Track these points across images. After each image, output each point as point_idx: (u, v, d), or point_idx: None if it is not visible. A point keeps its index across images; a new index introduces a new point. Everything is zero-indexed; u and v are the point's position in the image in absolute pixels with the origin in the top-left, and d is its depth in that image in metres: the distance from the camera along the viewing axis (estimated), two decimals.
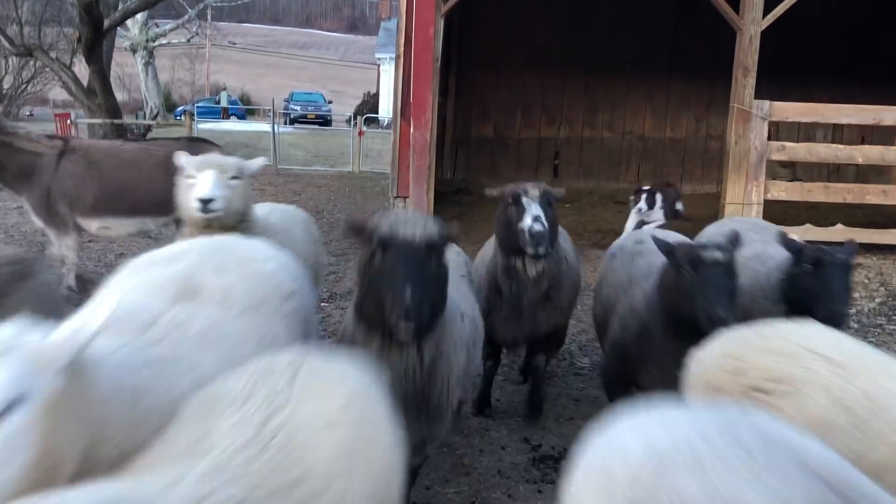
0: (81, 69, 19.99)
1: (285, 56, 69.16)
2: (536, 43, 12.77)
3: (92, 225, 5.72)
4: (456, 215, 10.12)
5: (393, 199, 9.96)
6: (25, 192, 5.53)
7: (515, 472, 3.45)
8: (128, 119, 21.56)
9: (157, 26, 29.19)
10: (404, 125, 9.32)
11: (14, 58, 29.60)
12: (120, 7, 19.03)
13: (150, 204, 5.73)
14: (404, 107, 9.36)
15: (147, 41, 28.12)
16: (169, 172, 5.94)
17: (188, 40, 32.15)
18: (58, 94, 37.14)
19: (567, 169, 13.61)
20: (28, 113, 36.98)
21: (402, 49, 9.10)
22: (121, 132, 18.79)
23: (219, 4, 30.55)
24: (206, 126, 22.15)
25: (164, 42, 29.95)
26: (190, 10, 28.98)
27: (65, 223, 5.59)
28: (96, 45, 17.56)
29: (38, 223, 5.75)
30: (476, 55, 12.84)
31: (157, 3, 19.20)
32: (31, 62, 29.37)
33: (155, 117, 26.04)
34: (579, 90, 13.52)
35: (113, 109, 18.58)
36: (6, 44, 20.77)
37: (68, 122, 18.43)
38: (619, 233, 9.74)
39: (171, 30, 29.33)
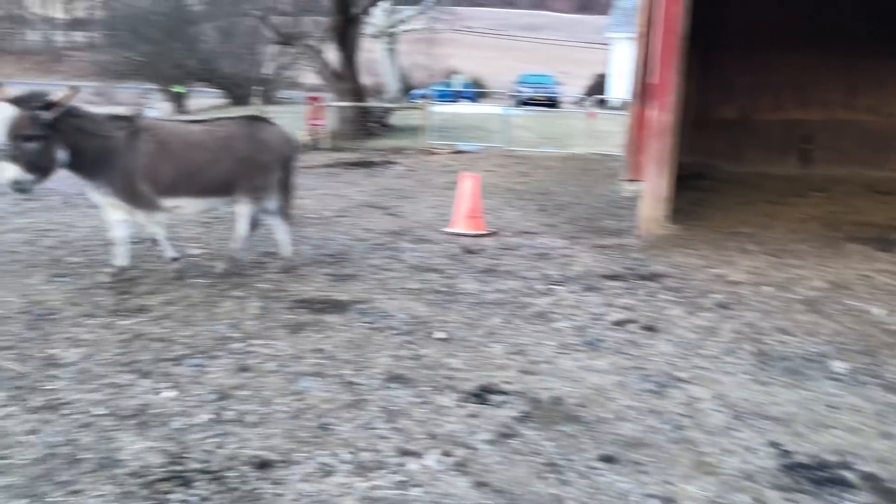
0: (332, 55, 21.57)
1: (516, 38, 69.80)
2: (789, 18, 11.74)
3: (167, 203, 5.77)
4: (695, 201, 9.66)
5: (623, 181, 9.71)
6: (103, 178, 5.53)
7: (763, 478, 3.23)
8: (371, 102, 22.90)
9: (400, 13, 30.70)
10: (641, 107, 9.02)
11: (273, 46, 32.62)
12: None
13: (217, 184, 5.90)
14: (643, 88, 9.05)
15: (390, 28, 29.69)
16: (231, 153, 5.97)
17: (427, 26, 33.48)
18: (309, 78, 40.48)
19: (821, 155, 12.44)
20: (284, 97, 40.69)
21: (643, 28, 8.79)
22: (365, 114, 20.08)
23: None
24: (439, 109, 22.97)
25: (405, 28, 31.46)
26: None
27: (151, 200, 5.65)
28: (346, 32, 18.87)
29: (123, 205, 5.67)
30: (720, 33, 12.07)
31: None
32: (288, 49, 32.15)
33: (394, 101, 27.50)
34: (837, 68, 12.25)
35: (358, 93, 19.89)
36: (271, 33, 22.94)
37: (319, 104, 19.94)
38: (880, 225, 8.78)
39: (413, 16, 30.70)
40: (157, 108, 31.68)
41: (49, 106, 5.11)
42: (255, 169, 5.99)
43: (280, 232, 6.49)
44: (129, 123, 5.73)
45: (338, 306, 5.43)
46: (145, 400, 3.78)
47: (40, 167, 5.15)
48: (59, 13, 74.40)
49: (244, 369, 4.22)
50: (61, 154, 5.22)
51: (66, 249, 6.92)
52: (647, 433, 3.60)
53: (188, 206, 6.02)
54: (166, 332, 4.77)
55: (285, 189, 6.39)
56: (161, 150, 5.62)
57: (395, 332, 4.95)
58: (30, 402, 3.70)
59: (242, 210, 6.09)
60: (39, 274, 5.97)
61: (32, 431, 3.42)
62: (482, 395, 4.00)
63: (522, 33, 72.10)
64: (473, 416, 3.77)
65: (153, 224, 5.81)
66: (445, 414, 3.77)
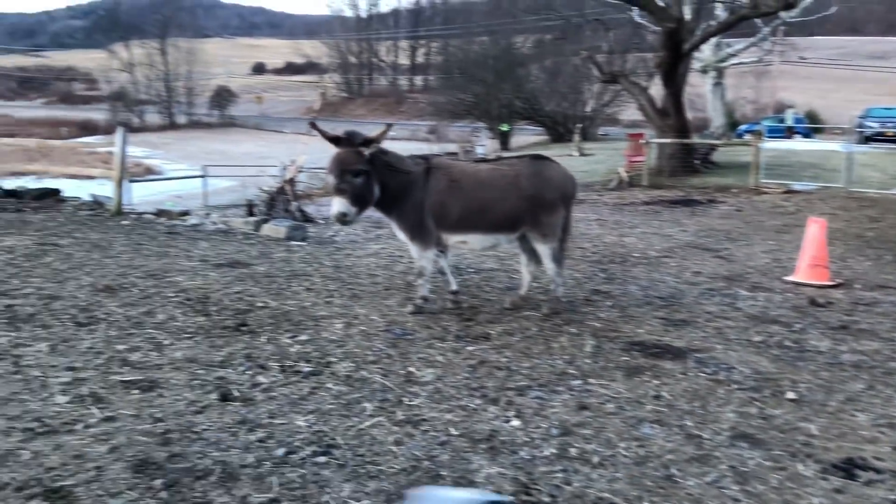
0: (657, 91, 21.31)
1: (859, 68, 63.02)
2: None
3: (452, 239, 5.99)
4: None
5: None
6: (396, 211, 5.87)
7: None
8: (694, 139, 22.17)
9: (729, 46, 29.41)
10: None
11: (596, 83, 33.12)
12: (698, 31, 19.62)
13: (504, 221, 5.94)
14: None
15: (718, 62, 28.56)
16: (517, 191, 5.97)
17: (759, 59, 31.65)
18: (628, 115, 40.44)
19: None
20: (602, 133, 41.12)
21: None
22: (688, 150, 19.47)
23: (794, 20, 29.27)
24: (770, 146, 21.46)
25: (734, 62, 30.05)
26: (763, 29, 28.47)
27: (430, 237, 5.90)
28: (674, 68, 18.52)
29: (403, 238, 6.09)
30: None
31: (736, 24, 19.29)
32: (611, 87, 32.42)
33: (719, 137, 26.31)
34: None
35: (682, 129, 19.35)
36: (596, 72, 23.32)
37: (641, 141, 19.77)
38: None
39: (743, 49, 29.24)
40: (484, 145, 33.84)
41: (368, 143, 5.61)
42: (540, 206, 6.02)
43: (548, 271, 6.36)
44: (425, 162, 6.09)
45: (674, 353, 5.26)
46: (495, 426, 3.98)
47: (363, 200, 5.62)
48: (404, 59, 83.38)
49: (584, 407, 4.26)
50: (376, 188, 5.71)
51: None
52: None
53: (474, 242, 6.12)
54: (508, 361, 5.00)
55: (564, 228, 6.35)
56: (451, 188, 5.83)
57: (738, 386, 4.66)
58: (395, 414, 4.10)
59: (541, 249, 6.16)
60: (396, 296, 6.64)
61: (398, 443, 3.77)
62: (849, 468, 3.59)
63: (868, 62, 64.88)
64: (839, 491, 3.39)
65: (425, 259, 6.02)
66: (805, 484, 3.44)
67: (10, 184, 15.01)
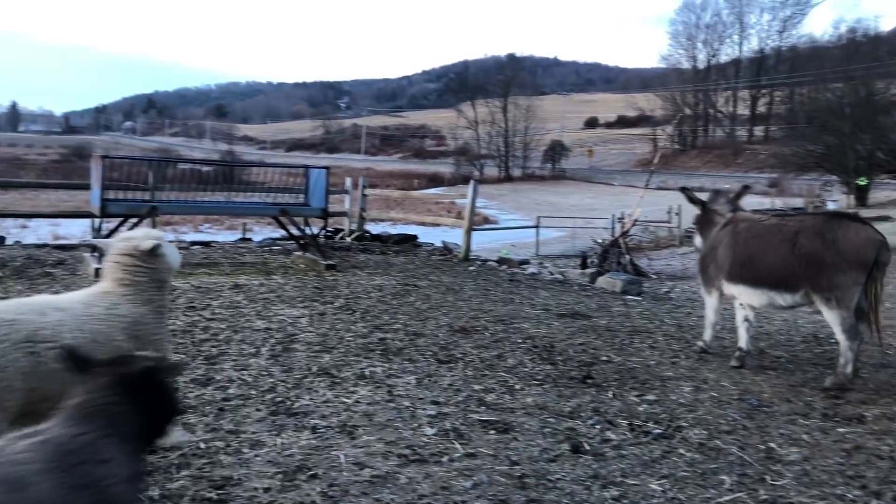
0: None
1: None
2: None
3: (728, 289, 6.07)
4: None
5: None
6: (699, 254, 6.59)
7: None
8: None
9: None
10: None
11: None
12: None
13: (772, 277, 5.66)
14: None
15: None
16: (796, 247, 5.40)
17: None
18: None
19: None
20: None
21: None
22: None
23: None
24: None
25: None
26: None
27: (711, 282, 6.23)
28: None
29: (700, 281, 6.54)
30: None
31: None
32: None
33: None
34: None
35: None
36: None
37: None
38: None
39: None
40: (836, 200, 30.66)
41: (731, 200, 6.39)
42: (821, 267, 5.35)
43: (839, 342, 5.50)
44: (731, 212, 6.30)
45: None
46: None
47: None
48: (742, 110, 79.40)
49: None
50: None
51: (766, 341, 7.06)
52: None
53: (745, 295, 5.96)
54: (891, 450, 4.35)
55: (870, 298, 5.36)
56: (731, 237, 5.98)
57: None
58: (758, 492, 3.76)
59: (827, 316, 5.48)
60: (748, 363, 6.19)
61: None
62: None
63: None
64: None
65: (710, 309, 6.33)
66: None
67: (376, 229, 17.07)
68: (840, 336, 5.49)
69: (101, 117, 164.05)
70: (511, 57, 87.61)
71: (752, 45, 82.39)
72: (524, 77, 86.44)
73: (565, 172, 76.03)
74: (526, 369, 5.70)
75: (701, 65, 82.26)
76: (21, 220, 21.92)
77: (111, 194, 9.35)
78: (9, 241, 12.09)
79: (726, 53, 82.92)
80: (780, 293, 5.68)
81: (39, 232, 21.14)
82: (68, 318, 3.21)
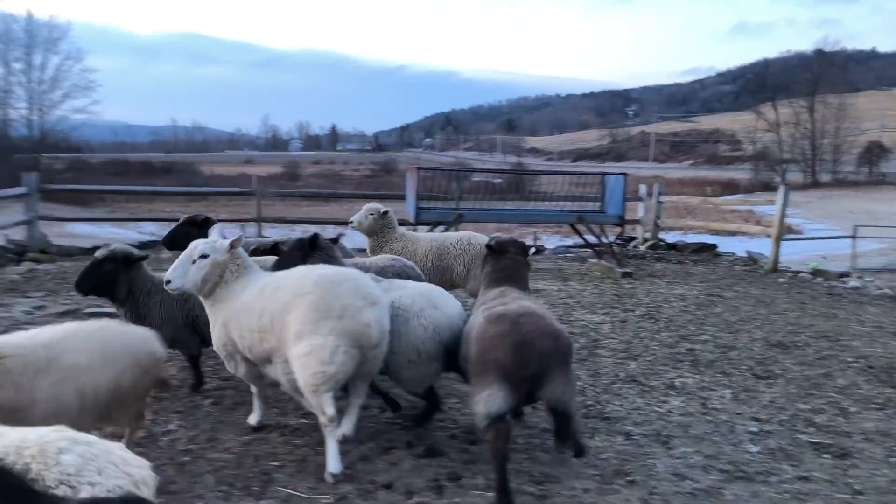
0: None
1: None
2: None
3: None
4: None
5: None
6: None
7: None
8: None
9: None
10: None
11: None
12: None
13: None
14: None
15: None
16: None
17: None
18: None
19: None
20: None
21: None
22: None
23: None
24: None
25: None
26: None
27: None
28: None
29: None
30: None
31: None
32: None
33: None
34: None
35: None
36: None
37: None
38: None
39: None
40: None
41: None
42: None
43: None
44: None
45: None
46: None
47: None
48: None
49: None
50: None
51: None
52: None
53: None
54: None
55: None
56: None
57: None
58: None
59: None
60: None
61: None
62: None
63: None
64: None
65: None
66: None
67: (669, 237, 16.47)
68: None
69: (405, 135, 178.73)
70: (819, 52, 79.71)
71: None
72: (834, 73, 78.12)
73: (885, 177, 67.10)
74: (861, 391, 5.11)
75: None
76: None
77: (423, 203, 10.08)
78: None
79: None
80: None
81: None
82: None
